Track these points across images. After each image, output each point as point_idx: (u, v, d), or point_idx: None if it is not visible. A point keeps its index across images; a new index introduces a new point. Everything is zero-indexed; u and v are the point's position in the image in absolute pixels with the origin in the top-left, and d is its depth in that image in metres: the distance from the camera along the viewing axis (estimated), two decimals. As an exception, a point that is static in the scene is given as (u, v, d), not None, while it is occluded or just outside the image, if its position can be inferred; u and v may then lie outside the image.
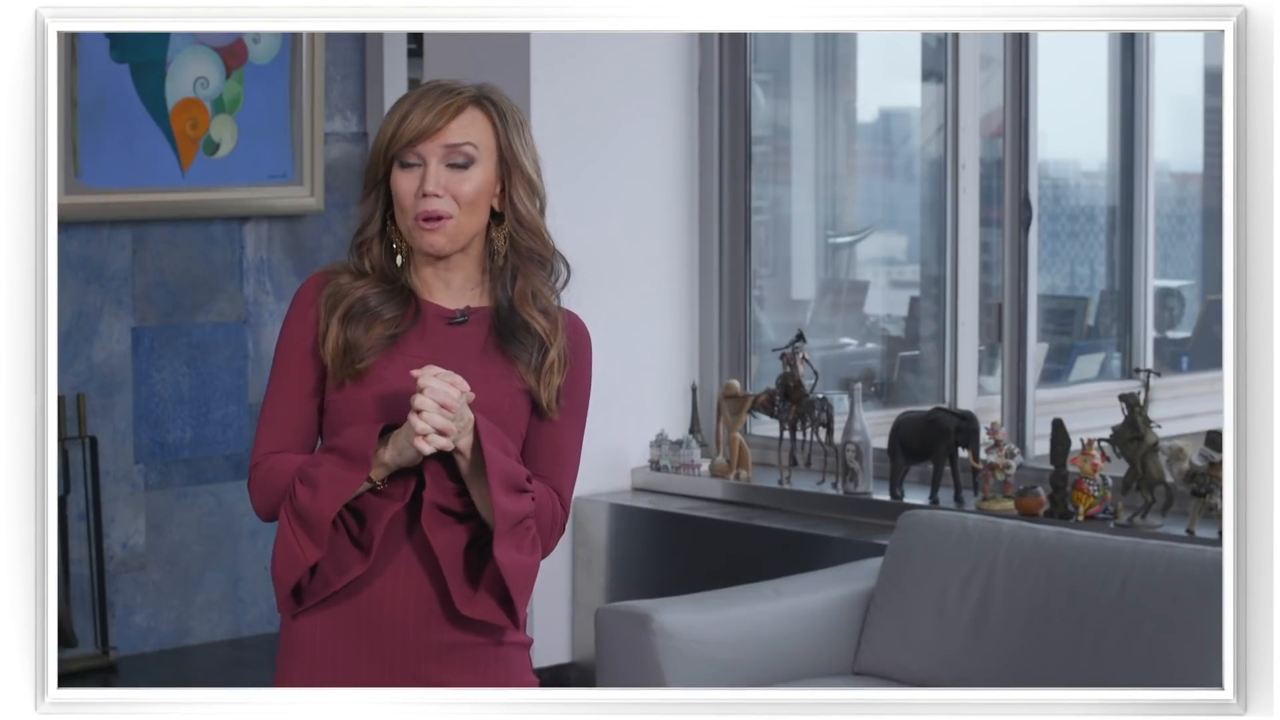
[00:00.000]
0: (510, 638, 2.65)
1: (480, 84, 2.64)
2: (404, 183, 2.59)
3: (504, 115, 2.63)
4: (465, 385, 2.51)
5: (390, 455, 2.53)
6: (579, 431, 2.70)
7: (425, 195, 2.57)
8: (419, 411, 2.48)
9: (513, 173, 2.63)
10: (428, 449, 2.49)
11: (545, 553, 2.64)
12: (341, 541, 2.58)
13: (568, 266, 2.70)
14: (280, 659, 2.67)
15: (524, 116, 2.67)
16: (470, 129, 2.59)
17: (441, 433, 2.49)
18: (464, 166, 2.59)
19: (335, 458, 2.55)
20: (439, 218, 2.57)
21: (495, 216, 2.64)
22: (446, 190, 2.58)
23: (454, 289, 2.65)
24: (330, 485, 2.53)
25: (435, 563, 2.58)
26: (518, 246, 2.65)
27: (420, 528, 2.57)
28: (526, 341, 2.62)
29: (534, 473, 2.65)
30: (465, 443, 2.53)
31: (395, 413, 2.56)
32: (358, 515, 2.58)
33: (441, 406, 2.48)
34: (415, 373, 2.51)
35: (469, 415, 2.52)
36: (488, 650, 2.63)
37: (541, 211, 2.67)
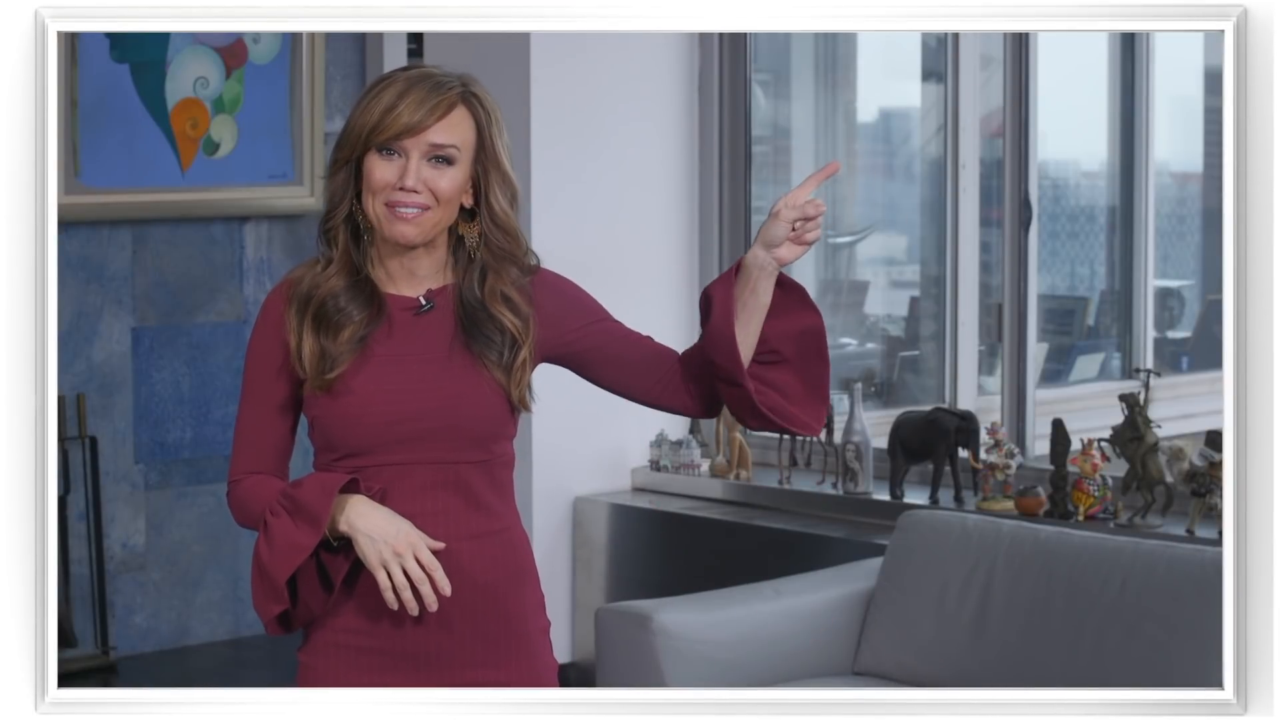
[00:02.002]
0: (533, 625, 2.66)
1: (463, 76, 2.62)
2: (381, 171, 2.57)
3: (488, 114, 2.62)
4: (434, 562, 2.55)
5: (344, 529, 2.55)
6: (613, 319, 2.72)
7: (404, 189, 2.56)
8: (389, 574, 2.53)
9: (490, 172, 2.62)
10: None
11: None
12: (314, 579, 2.59)
13: (536, 257, 2.70)
14: (303, 656, 2.67)
15: (500, 113, 2.66)
16: (455, 130, 2.58)
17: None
18: (445, 163, 2.58)
19: (292, 510, 2.55)
20: (414, 212, 2.57)
21: (463, 212, 2.64)
22: (425, 186, 2.57)
23: (419, 277, 2.65)
24: (284, 549, 2.55)
25: (456, 582, 2.58)
26: (490, 245, 2.64)
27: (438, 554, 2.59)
28: (496, 339, 2.61)
29: (648, 373, 2.68)
30: None
31: (369, 423, 2.57)
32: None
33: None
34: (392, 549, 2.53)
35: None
36: (513, 640, 2.64)
37: (514, 205, 2.66)
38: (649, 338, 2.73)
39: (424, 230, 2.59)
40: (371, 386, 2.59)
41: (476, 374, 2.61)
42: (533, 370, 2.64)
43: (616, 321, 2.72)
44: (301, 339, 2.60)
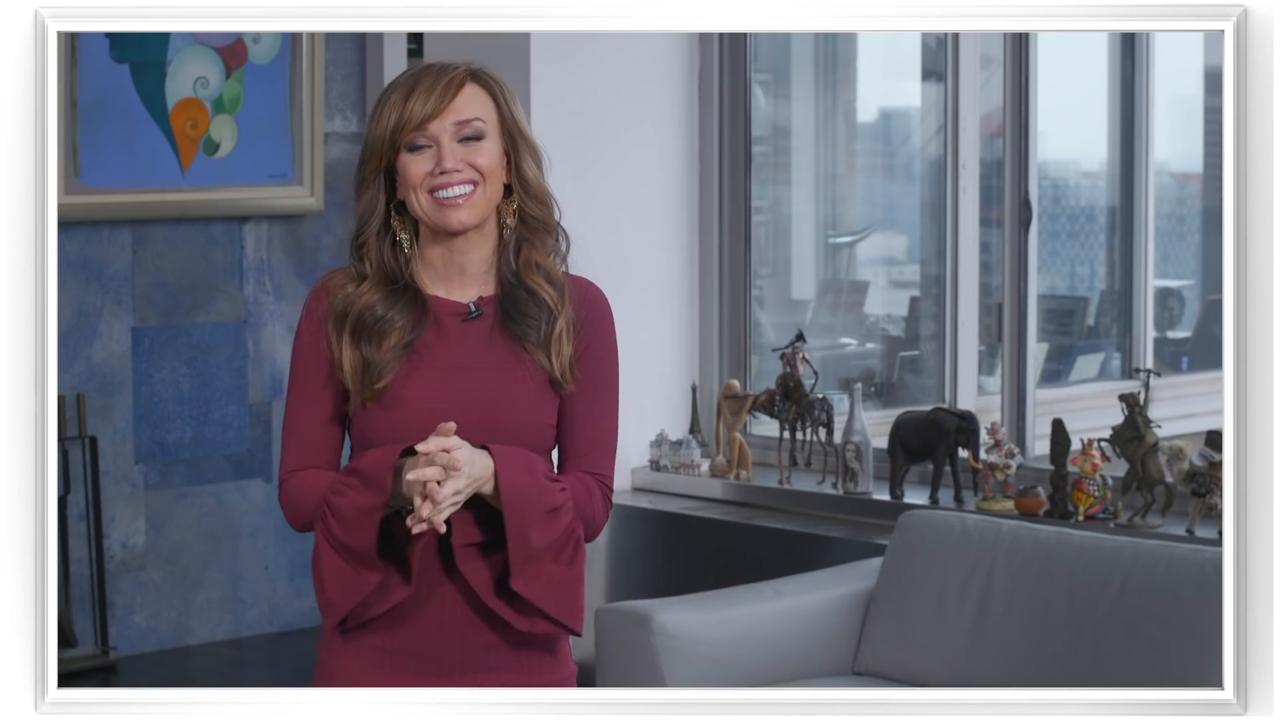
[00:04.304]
0: (551, 636, 2.65)
1: (466, 61, 2.63)
2: (416, 165, 2.57)
3: (500, 87, 2.62)
4: (459, 460, 2.49)
5: (405, 491, 2.52)
6: (613, 406, 2.69)
7: (444, 173, 2.55)
8: (423, 497, 2.47)
9: (518, 142, 2.62)
10: (417, 529, 2.49)
11: (594, 535, 2.65)
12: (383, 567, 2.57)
13: (567, 235, 2.68)
14: (318, 683, 2.66)
15: (509, 86, 2.66)
16: (475, 104, 2.59)
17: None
18: (476, 139, 2.58)
19: (356, 483, 2.53)
20: (464, 191, 2.56)
21: (505, 191, 2.63)
22: (464, 163, 2.56)
23: (469, 275, 2.63)
24: (357, 519, 2.52)
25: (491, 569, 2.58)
26: (524, 217, 2.63)
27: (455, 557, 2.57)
28: (534, 314, 2.60)
29: (572, 455, 2.65)
30: (490, 485, 2.53)
31: (420, 431, 2.53)
32: (394, 540, 2.57)
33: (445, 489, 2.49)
34: (426, 465, 2.47)
35: (481, 465, 2.51)
36: (537, 654, 2.64)
37: (542, 170, 2.66)
38: (606, 450, 2.69)
39: (476, 210, 2.58)
40: (423, 394, 2.57)
41: (524, 376, 2.60)
42: (571, 349, 2.62)
43: (613, 403, 2.69)
44: (343, 353, 2.58)
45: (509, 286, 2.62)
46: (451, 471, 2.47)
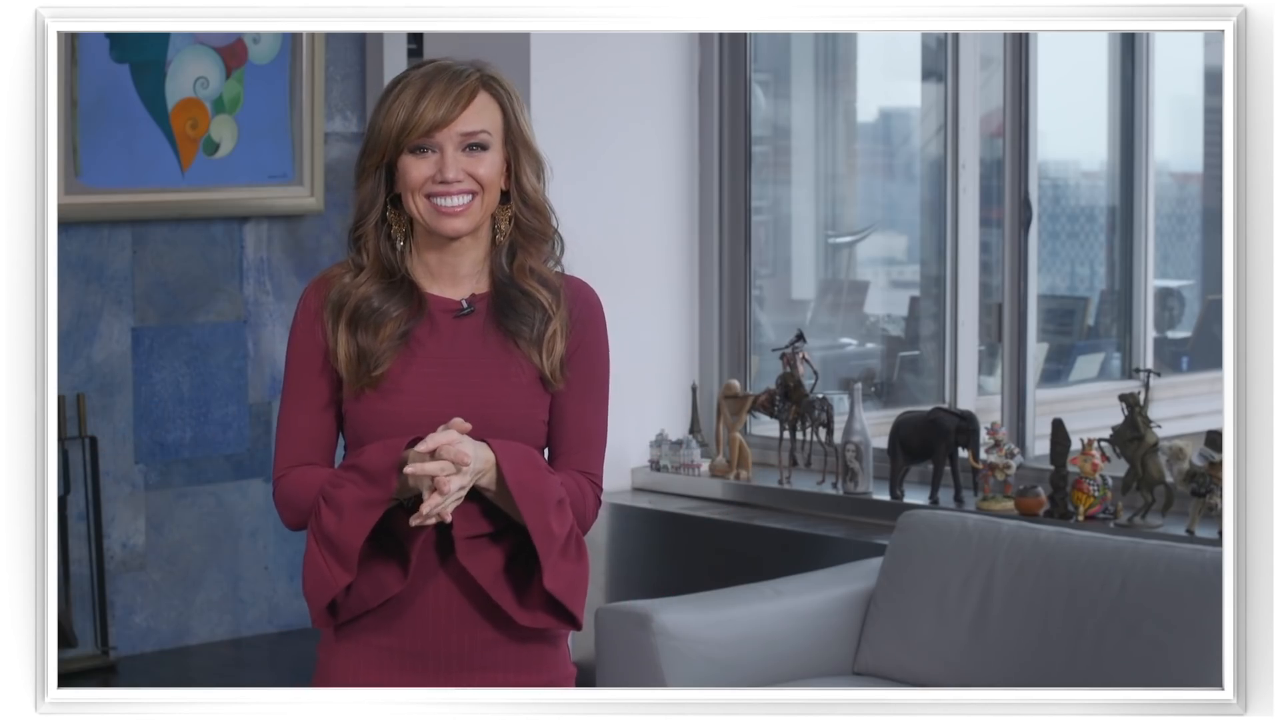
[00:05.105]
0: (557, 630, 2.65)
1: (475, 62, 2.63)
2: (417, 169, 2.58)
3: (509, 95, 2.63)
4: (468, 454, 2.48)
5: (411, 485, 2.52)
6: (603, 404, 2.69)
7: (444, 182, 2.56)
8: (432, 490, 2.47)
9: (520, 153, 2.63)
10: (418, 523, 2.49)
11: (585, 532, 2.65)
12: (378, 560, 2.56)
13: (562, 241, 2.69)
14: (317, 683, 2.66)
15: (518, 91, 2.67)
16: (483, 115, 2.59)
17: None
18: (479, 149, 2.59)
19: (357, 478, 2.52)
20: (462, 202, 2.57)
21: (501, 196, 2.64)
22: (465, 173, 2.57)
23: (461, 275, 2.64)
24: (354, 511, 2.51)
25: (474, 582, 2.57)
26: (521, 225, 2.64)
27: (454, 551, 2.56)
28: (527, 313, 2.61)
29: (562, 453, 2.65)
30: (488, 478, 2.53)
31: (415, 424, 2.54)
32: (392, 534, 2.57)
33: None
34: (438, 456, 2.47)
35: (483, 458, 2.51)
36: (537, 650, 2.64)
37: (542, 180, 2.66)
38: (596, 450, 2.70)
39: (472, 219, 2.59)
40: (419, 385, 2.58)
41: (516, 374, 2.60)
42: (564, 349, 2.62)
43: (603, 402, 2.69)
44: (338, 343, 2.59)
45: (502, 286, 2.63)
46: (461, 466, 2.47)
